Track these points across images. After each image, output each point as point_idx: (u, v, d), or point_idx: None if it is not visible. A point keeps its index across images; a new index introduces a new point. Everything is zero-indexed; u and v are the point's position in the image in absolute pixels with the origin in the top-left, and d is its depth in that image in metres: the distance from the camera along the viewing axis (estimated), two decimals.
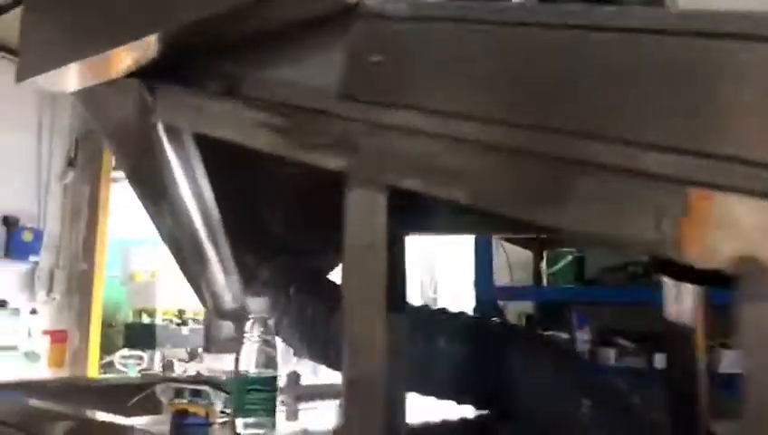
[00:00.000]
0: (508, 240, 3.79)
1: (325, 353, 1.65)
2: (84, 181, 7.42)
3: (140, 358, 8.92)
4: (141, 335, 9.10)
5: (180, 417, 1.26)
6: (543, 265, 3.92)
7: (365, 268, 1.03)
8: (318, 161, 1.15)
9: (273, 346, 1.33)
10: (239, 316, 1.96)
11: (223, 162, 1.66)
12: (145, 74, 1.59)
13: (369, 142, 1.05)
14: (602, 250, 3.63)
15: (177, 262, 1.95)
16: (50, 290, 7.06)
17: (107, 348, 8.22)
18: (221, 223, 1.73)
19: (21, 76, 1.74)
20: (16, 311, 6.48)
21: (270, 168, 1.72)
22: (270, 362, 1.31)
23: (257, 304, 1.36)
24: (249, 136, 1.33)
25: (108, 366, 8.46)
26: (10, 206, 6.87)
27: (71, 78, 1.70)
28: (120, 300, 9.57)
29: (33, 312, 6.88)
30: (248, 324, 1.33)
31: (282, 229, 1.93)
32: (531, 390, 1.45)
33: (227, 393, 1.84)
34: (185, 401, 1.38)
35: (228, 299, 1.90)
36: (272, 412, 1.24)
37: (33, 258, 6.95)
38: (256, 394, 1.23)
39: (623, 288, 3.35)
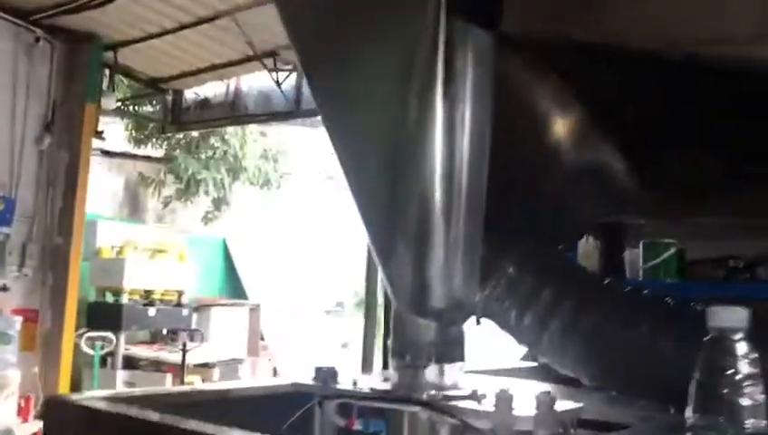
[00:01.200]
0: None
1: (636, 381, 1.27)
2: (62, 147, 6.76)
3: (104, 339, 8.34)
4: (105, 315, 8.53)
5: None
6: (627, 255, 3.60)
7: None
8: None
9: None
10: (447, 317, 1.57)
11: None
12: None
13: None
14: (702, 242, 3.38)
15: (371, 234, 1.52)
16: (21, 265, 6.41)
17: None
18: (472, 193, 1.32)
19: None
20: None
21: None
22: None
23: (734, 316, 0.92)
24: None
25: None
26: None
27: None
28: (82, 277, 8.94)
29: (4, 289, 6.23)
30: (735, 346, 0.90)
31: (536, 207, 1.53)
32: None
33: (459, 422, 1.44)
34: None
35: (439, 293, 1.50)
36: None
37: (4, 230, 6.29)
38: None
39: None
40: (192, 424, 1.50)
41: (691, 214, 1.99)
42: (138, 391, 2.08)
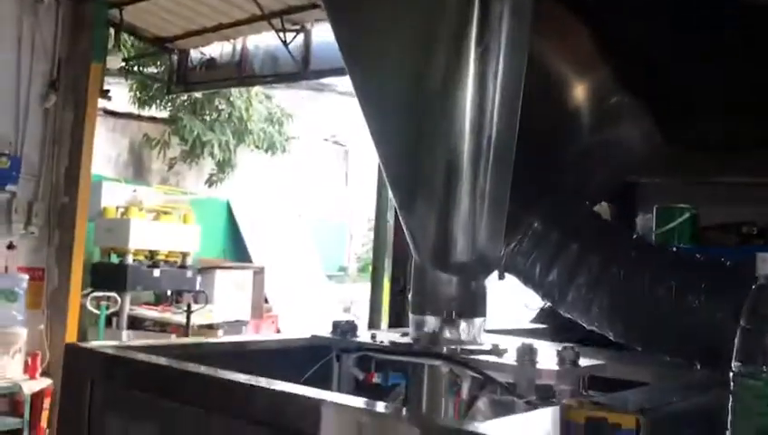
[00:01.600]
0: None
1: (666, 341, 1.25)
2: (67, 106, 6.70)
3: (109, 299, 8.39)
4: (110, 276, 8.57)
5: (596, 429, 0.87)
6: (640, 220, 3.58)
7: None
8: None
9: None
10: (470, 271, 1.55)
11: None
12: None
13: None
14: (713, 208, 3.36)
15: (394, 186, 1.49)
16: (28, 223, 6.40)
17: None
18: (501, 145, 1.29)
19: None
20: None
21: None
22: None
23: None
24: None
25: None
26: None
27: None
28: (87, 238, 8.94)
29: (11, 246, 6.23)
30: None
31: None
32: None
33: (480, 376, 1.44)
34: (588, 402, 0.96)
35: (463, 247, 1.48)
36: None
37: (10, 188, 6.26)
38: None
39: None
40: (215, 372, 1.50)
41: (714, 173, 1.96)
42: (155, 341, 2.08)
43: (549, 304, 1.62)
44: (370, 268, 7.33)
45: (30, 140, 6.47)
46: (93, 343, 1.67)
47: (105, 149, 10.25)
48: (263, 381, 1.41)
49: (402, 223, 1.55)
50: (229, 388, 1.42)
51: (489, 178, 1.37)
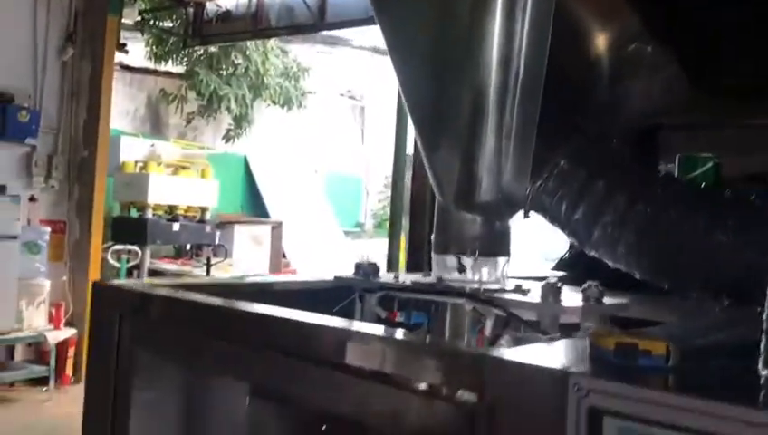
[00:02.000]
0: None
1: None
2: (85, 59, 6.69)
3: (130, 252, 8.49)
4: (130, 230, 8.65)
5: (626, 354, 0.87)
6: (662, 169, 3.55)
7: None
8: None
9: None
10: (495, 210, 1.54)
11: None
12: None
13: None
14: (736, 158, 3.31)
15: (418, 124, 1.48)
16: (48, 177, 6.45)
17: None
18: (529, 80, 1.27)
19: None
20: (16, 198, 5.87)
21: None
22: None
23: None
24: None
25: None
26: (3, 81, 6.15)
27: None
28: (106, 192, 9.01)
29: (33, 199, 6.29)
30: None
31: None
32: None
33: (504, 313, 1.44)
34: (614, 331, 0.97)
35: (485, 186, 1.47)
36: None
37: (30, 141, 6.30)
38: None
39: None
40: (242, 305, 1.51)
41: (740, 115, 1.93)
42: (181, 280, 2.10)
43: (571, 247, 1.61)
44: (387, 225, 7.33)
45: (48, 93, 6.49)
46: (119, 281, 1.69)
47: (122, 104, 10.25)
48: (289, 313, 1.42)
49: (426, 163, 1.54)
50: (256, 320, 1.43)
51: (516, 114, 1.36)
